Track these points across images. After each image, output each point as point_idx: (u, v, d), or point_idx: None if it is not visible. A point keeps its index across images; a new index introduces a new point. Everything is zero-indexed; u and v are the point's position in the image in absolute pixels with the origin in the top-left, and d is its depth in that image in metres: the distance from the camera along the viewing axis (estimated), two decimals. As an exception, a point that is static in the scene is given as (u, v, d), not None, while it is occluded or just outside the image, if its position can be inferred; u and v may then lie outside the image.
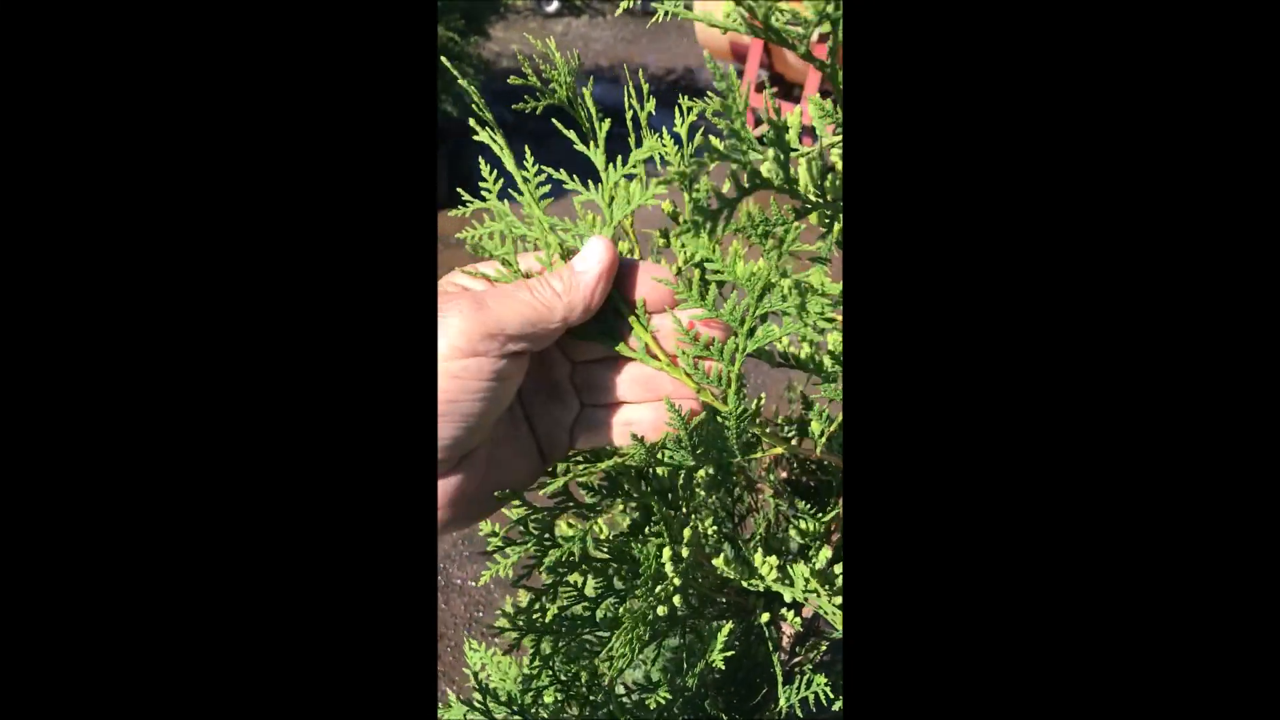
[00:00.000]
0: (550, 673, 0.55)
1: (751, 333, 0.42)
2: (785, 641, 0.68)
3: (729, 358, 0.42)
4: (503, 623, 0.53)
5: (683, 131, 0.56)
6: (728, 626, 0.52)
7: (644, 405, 0.43)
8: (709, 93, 0.58)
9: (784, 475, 0.71)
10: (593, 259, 0.40)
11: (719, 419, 0.44)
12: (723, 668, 0.50)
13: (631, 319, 0.42)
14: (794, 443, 0.64)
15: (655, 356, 0.42)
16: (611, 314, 0.43)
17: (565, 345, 0.43)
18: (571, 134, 0.51)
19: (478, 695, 0.54)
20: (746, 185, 0.49)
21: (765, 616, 0.62)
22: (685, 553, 0.52)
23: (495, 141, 0.47)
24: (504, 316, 0.37)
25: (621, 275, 0.42)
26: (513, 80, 0.51)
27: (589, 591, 0.53)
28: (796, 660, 0.69)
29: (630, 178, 0.47)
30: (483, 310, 0.37)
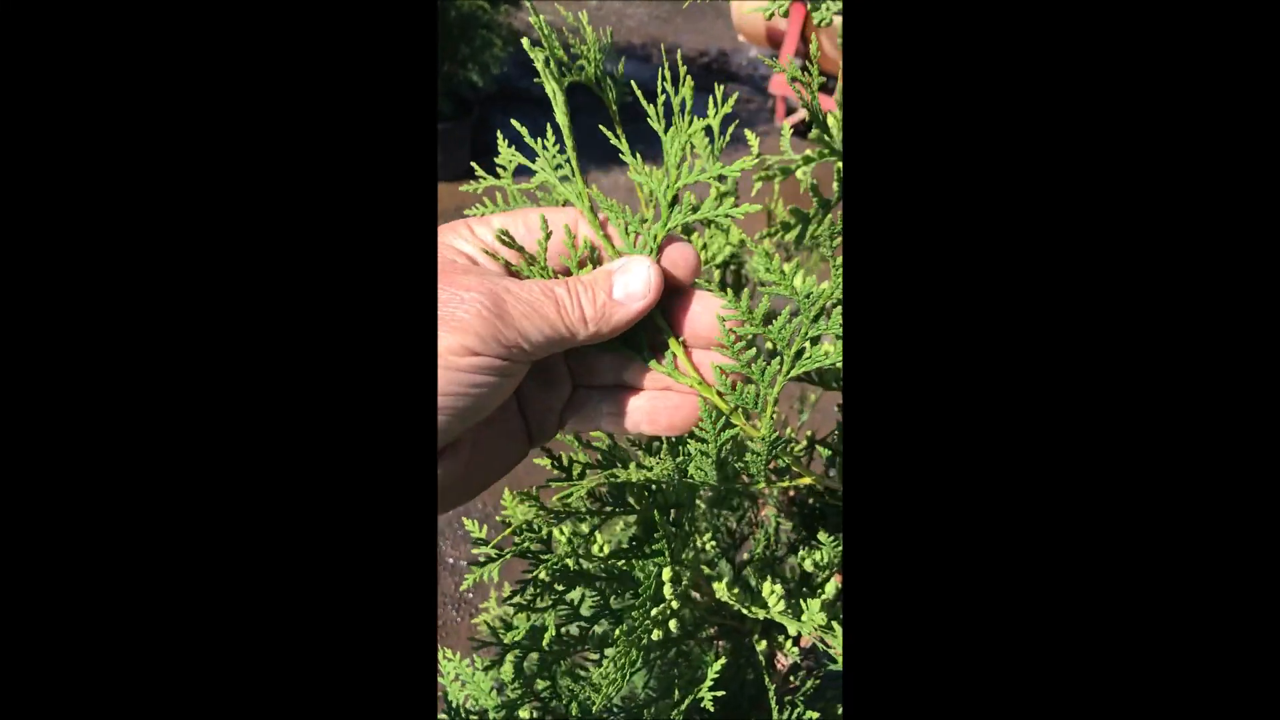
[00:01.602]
0: (529, 692, 0.52)
1: (799, 355, 0.38)
2: (780, 668, 0.65)
3: (769, 380, 0.38)
4: (501, 626, 0.50)
5: (715, 124, 0.52)
6: (720, 662, 0.48)
7: (641, 394, 0.40)
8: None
9: (790, 495, 0.68)
10: (636, 289, 0.36)
11: (750, 444, 0.40)
12: (712, 709, 0.47)
13: (674, 343, 0.39)
14: (825, 472, 0.61)
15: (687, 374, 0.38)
16: (646, 328, 0.39)
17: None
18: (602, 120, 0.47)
19: (444, 717, 0.51)
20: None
21: (762, 645, 0.59)
22: (685, 575, 0.49)
23: (557, 101, 0.42)
24: (526, 331, 0.34)
25: (670, 295, 0.38)
26: (534, 53, 0.46)
27: (585, 609, 0.50)
28: (789, 688, 0.66)
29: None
30: (503, 319, 0.33)
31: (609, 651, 0.43)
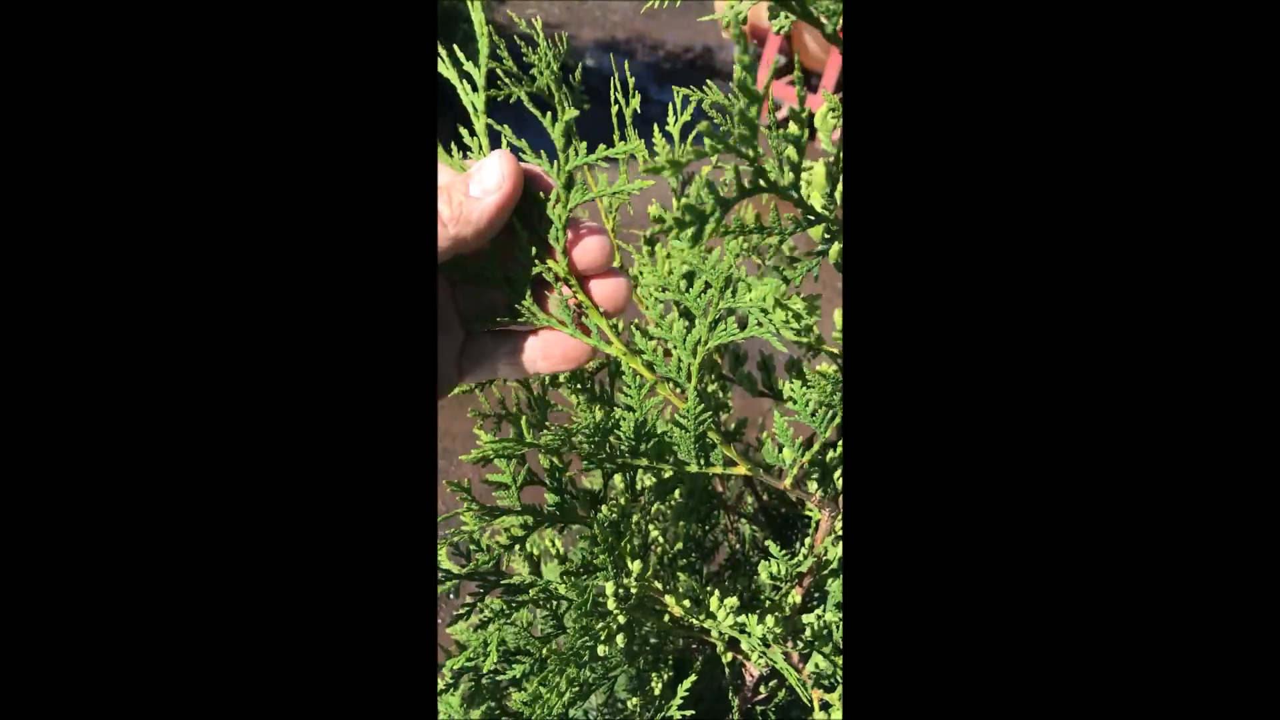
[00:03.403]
0: (500, 708, 0.51)
1: (714, 326, 0.38)
2: (749, 679, 0.64)
3: (691, 348, 0.38)
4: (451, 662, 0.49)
5: (675, 131, 0.51)
6: (690, 680, 0.48)
7: (537, 334, 0.39)
8: (709, 81, 0.53)
9: (761, 501, 0.67)
10: (491, 181, 0.35)
11: (678, 418, 0.41)
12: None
13: (570, 292, 0.38)
14: (764, 471, 0.60)
15: (585, 329, 0.38)
16: (523, 275, 0.38)
17: (443, 265, 0.38)
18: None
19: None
20: (748, 185, 0.44)
21: (729, 656, 0.58)
22: (634, 588, 0.48)
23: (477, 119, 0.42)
24: None
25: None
26: (489, 64, 0.45)
27: (541, 628, 0.49)
28: (759, 698, 0.66)
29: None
30: None
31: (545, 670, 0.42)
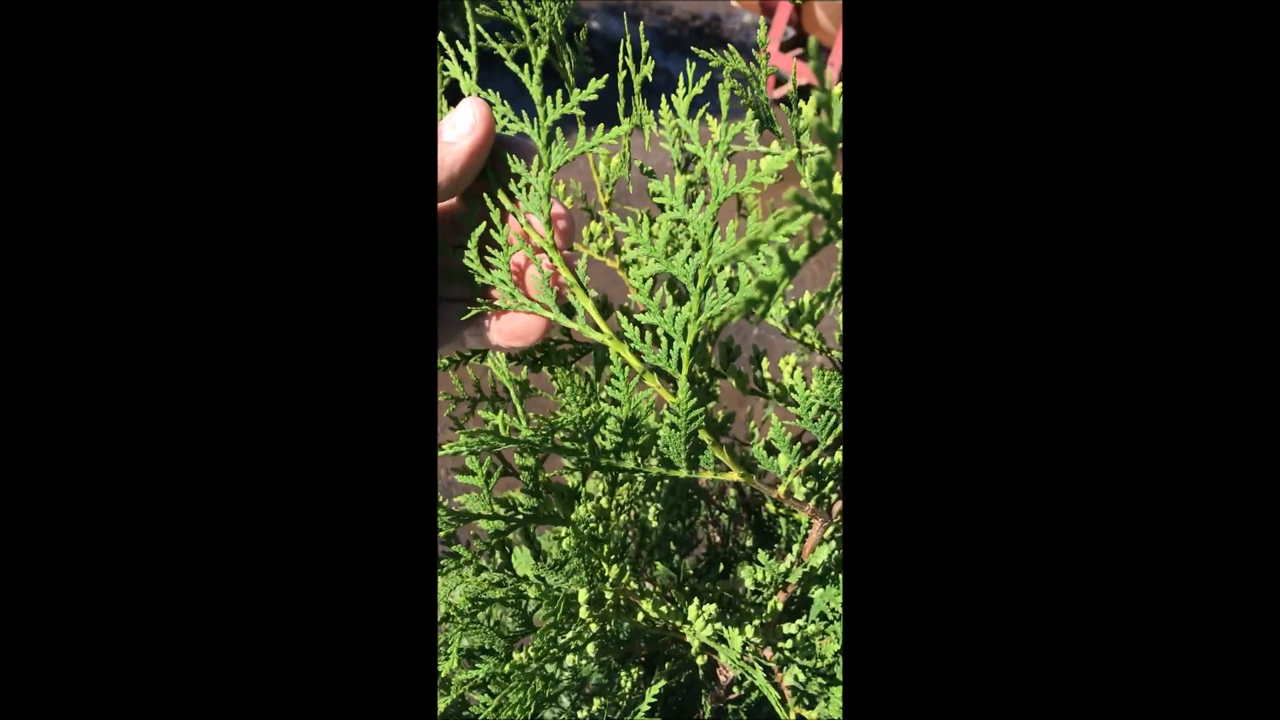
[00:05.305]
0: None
1: (706, 293, 0.34)
2: (723, 679, 0.62)
3: (680, 329, 0.34)
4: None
5: (682, 106, 0.48)
6: (658, 685, 0.45)
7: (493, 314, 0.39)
8: (730, 47, 0.49)
9: (736, 496, 0.65)
10: (464, 125, 0.34)
11: (667, 414, 0.37)
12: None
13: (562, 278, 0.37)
14: (757, 477, 0.58)
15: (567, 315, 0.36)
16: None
17: None
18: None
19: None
20: (820, 241, 0.41)
21: (703, 659, 0.56)
22: (609, 593, 0.45)
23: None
24: None
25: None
26: (484, 9, 0.41)
27: (510, 626, 0.46)
28: (732, 697, 0.64)
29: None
30: None
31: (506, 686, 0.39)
